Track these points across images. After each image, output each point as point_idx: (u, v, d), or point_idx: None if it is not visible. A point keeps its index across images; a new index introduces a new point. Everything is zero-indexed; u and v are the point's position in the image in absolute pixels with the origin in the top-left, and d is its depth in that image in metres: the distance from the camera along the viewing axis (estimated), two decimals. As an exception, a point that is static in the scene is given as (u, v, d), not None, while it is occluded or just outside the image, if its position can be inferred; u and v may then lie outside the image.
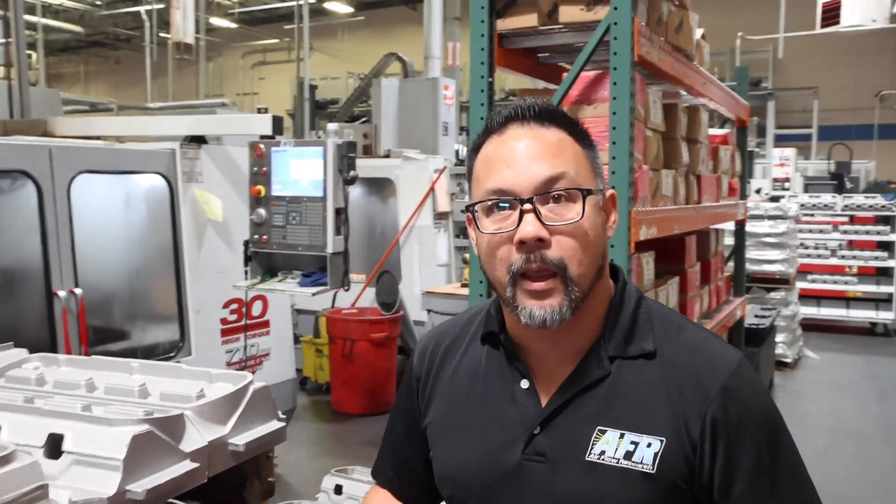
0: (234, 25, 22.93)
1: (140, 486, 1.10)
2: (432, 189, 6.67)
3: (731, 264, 6.02)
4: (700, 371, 1.15)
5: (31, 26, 17.63)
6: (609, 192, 1.21)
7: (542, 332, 1.16)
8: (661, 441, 1.12)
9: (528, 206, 1.12)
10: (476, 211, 1.18)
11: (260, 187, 4.37)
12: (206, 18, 20.24)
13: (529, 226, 1.11)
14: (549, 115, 1.19)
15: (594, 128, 3.33)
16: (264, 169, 4.37)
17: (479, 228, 1.18)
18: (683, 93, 4.52)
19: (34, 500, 1.01)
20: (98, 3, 21.32)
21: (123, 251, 4.58)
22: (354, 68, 19.83)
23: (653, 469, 1.11)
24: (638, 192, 3.28)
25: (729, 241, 6.10)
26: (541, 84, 4.15)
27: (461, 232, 7.01)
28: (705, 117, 4.71)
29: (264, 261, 4.50)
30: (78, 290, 3.99)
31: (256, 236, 4.42)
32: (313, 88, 14.33)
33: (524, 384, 1.21)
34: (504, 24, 3.47)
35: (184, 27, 17.96)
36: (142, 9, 19.44)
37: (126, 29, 23.13)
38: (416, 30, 16.02)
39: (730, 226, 6.05)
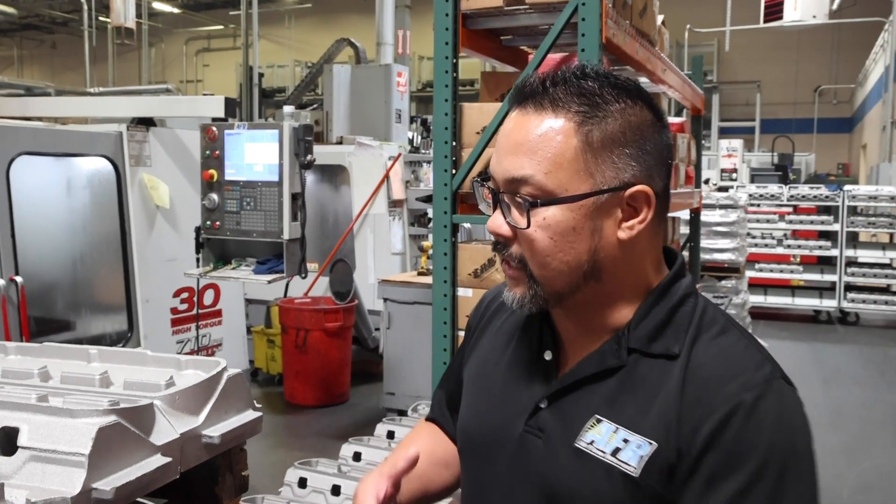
0: (177, 10, 22.37)
1: (107, 484, 0.99)
2: (387, 176, 6.56)
3: (685, 252, 6.05)
4: (721, 381, 1.04)
5: (-38, 7, 16.92)
6: (634, 190, 1.06)
7: (556, 311, 1.15)
8: (652, 445, 1.04)
9: (500, 197, 1.09)
10: None
11: (212, 171, 4.22)
12: (148, 3, 19.69)
13: (495, 220, 1.10)
14: (557, 98, 1.06)
15: (560, 111, 3.28)
16: (217, 153, 4.21)
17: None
18: (644, 79, 4.51)
19: (-12, 502, 0.89)
20: (33, -16, 20.58)
21: (67, 237, 4.38)
22: (301, 56, 19.55)
23: (636, 472, 1.04)
24: (604, 176, 3.24)
25: (683, 229, 6.13)
26: (506, 68, 4.08)
27: (416, 220, 6.91)
28: (665, 105, 4.70)
29: (217, 248, 4.34)
30: (18, 278, 3.79)
31: (209, 222, 4.27)
32: (260, 76, 14.05)
33: (547, 355, 1.17)
34: (468, 4, 3.38)
35: (125, 11, 17.43)
36: (79, -9, 18.80)
37: (63, 12, 22.37)
38: (363, 18, 15.81)
39: (685, 214, 6.08)
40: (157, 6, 21.50)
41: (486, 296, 1.38)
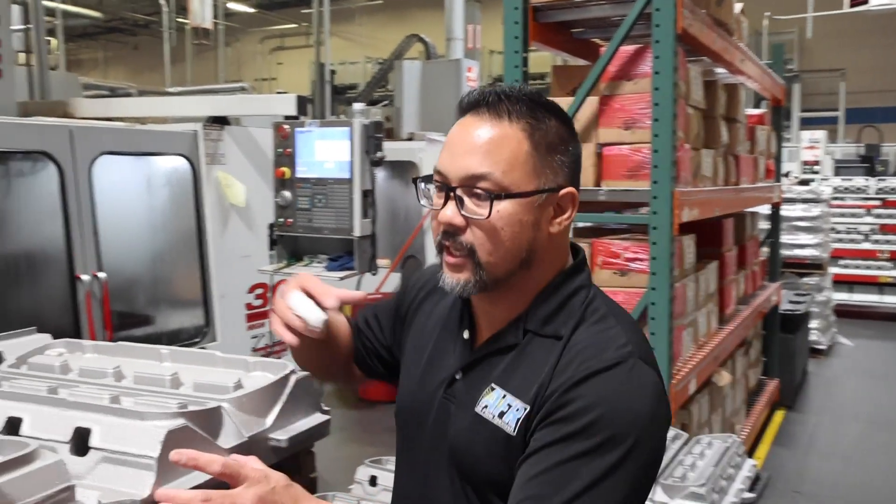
0: (251, 10, 22.79)
1: (175, 488, 0.99)
2: (457, 172, 6.52)
3: (764, 249, 5.85)
4: (584, 354, 1.20)
5: (51, 12, 17.59)
6: (565, 191, 1.26)
7: (477, 296, 1.30)
8: (526, 408, 1.21)
9: (452, 192, 1.23)
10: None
11: (284, 169, 4.26)
12: (223, 3, 20.12)
13: (448, 210, 1.23)
14: (512, 109, 1.23)
15: (634, 104, 3.19)
16: (289, 150, 4.25)
17: (429, 193, 1.30)
18: (721, 70, 4.36)
19: (60, 503, 0.90)
20: (116, -12, 21.26)
21: (147, 234, 4.49)
22: (372, 53, 19.66)
23: (512, 431, 1.21)
24: (680, 172, 3.14)
25: (763, 225, 5.93)
26: (577, 61, 4.01)
27: (486, 216, 6.86)
28: (744, 96, 4.55)
29: (290, 244, 4.39)
30: (101, 274, 3.91)
31: (281, 219, 4.32)
32: (332, 73, 14.20)
33: (465, 335, 1.35)
34: (539, -3, 3.33)
35: (202, 12, 17.84)
36: (160, -7, 19.33)
37: (144, 14, 23.07)
38: (433, 13, 15.81)
39: (765, 209, 5.89)
40: (233, 6, 21.96)
41: (415, 281, 1.54)
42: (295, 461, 1.31)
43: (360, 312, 1.60)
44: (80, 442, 1.05)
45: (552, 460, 1.12)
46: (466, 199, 1.22)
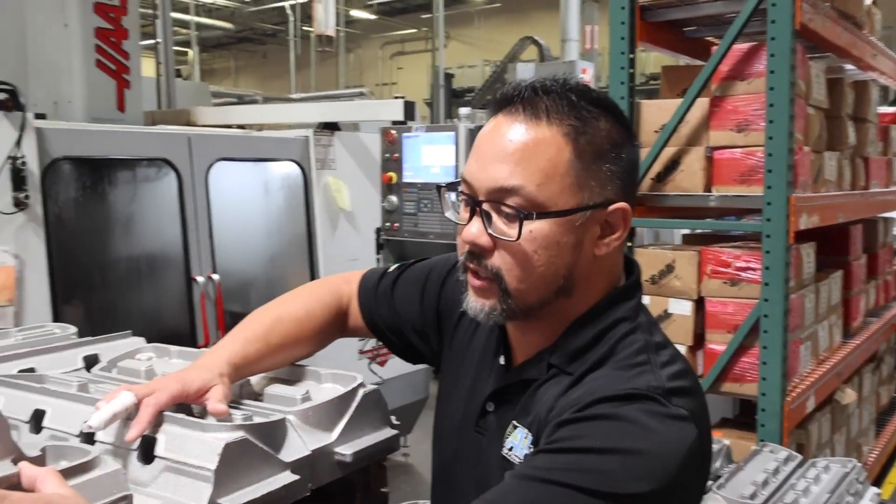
0: (373, 17, 23.31)
1: (232, 501, 1.00)
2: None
3: (900, 257, 5.44)
4: (599, 390, 0.99)
5: (186, 24, 18.59)
6: (615, 207, 1.06)
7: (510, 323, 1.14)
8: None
9: (478, 208, 1.06)
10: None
11: (391, 174, 4.32)
12: (346, 11, 20.67)
13: (473, 228, 1.06)
14: (552, 107, 1.03)
15: (748, 105, 3.03)
16: (396, 155, 4.31)
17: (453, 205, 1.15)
18: (849, 66, 4.09)
19: (116, 512, 0.91)
20: (247, 0, 22.23)
21: (259, 237, 4.65)
22: (490, 56, 19.69)
23: None
24: (798, 176, 2.96)
25: (898, 231, 5.51)
26: (689, 61, 3.85)
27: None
28: (875, 93, 4.24)
29: (396, 249, 4.44)
30: (215, 276, 4.06)
31: (388, 224, 4.38)
32: (450, 77, 14.33)
33: (501, 360, 1.20)
34: (647, -5, 3.21)
35: (325, 20, 18.40)
36: (286, 4, 20.09)
37: (272, 24, 24.01)
38: (551, 15, 15.67)
39: (900, 214, 5.48)
40: (355, 14, 22.54)
41: (452, 278, 1.33)
42: (364, 475, 1.29)
43: (379, 285, 1.44)
44: (147, 450, 1.07)
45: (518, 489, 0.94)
46: (494, 216, 1.05)
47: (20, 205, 3.33)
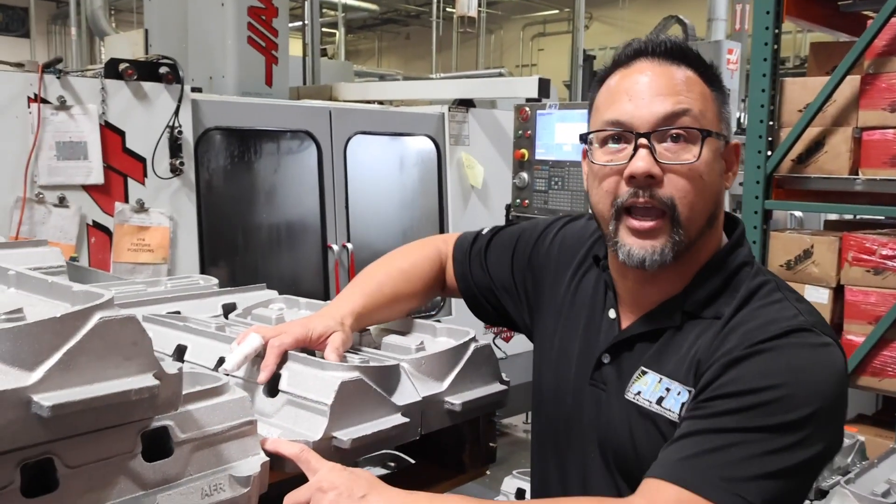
0: (515, -2, 23.21)
1: (346, 435, 1.07)
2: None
3: None
4: (749, 332, 1.08)
5: (333, 6, 19.18)
6: (733, 143, 1.20)
7: (637, 273, 1.18)
8: (690, 391, 1.10)
9: (643, 140, 1.11)
10: (591, 142, 1.19)
11: (523, 151, 4.32)
12: (489, -8, 20.67)
13: (641, 161, 1.11)
14: (681, 53, 1.17)
15: (905, 84, 2.84)
16: (528, 132, 4.30)
17: (591, 159, 1.19)
18: None
19: (241, 436, 1.00)
20: (392, -18, 22.67)
21: (392, 210, 4.78)
22: (634, 37, 19.19)
23: (677, 417, 1.10)
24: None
25: None
26: (842, 37, 3.64)
27: (737, 206, 6.47)
28: None
29: (525, 225, 4.45)
30: (349, 245, 4.23)
31: (518, 200, 4.39)
32: (591, 58, 14.09)
33: (612, 314, 1.25)
34: (797, -33, 3.06)
35: (468, 1, 18.50)
36: (430, -15, 20.30)
37: (416, 5, 24.37)
38: (701, -5, 15.07)
39: None
40: (498, -6, 22.50)
41: (543, 242, 1.45)
42: (475, 428, 1.34)
43: (473, 250, 1.53)
44: (273, 385, 1.16)
45: (714, 444, 0.99)
46: (659, 147, 1.12)
47: (176, 171, 3.59)
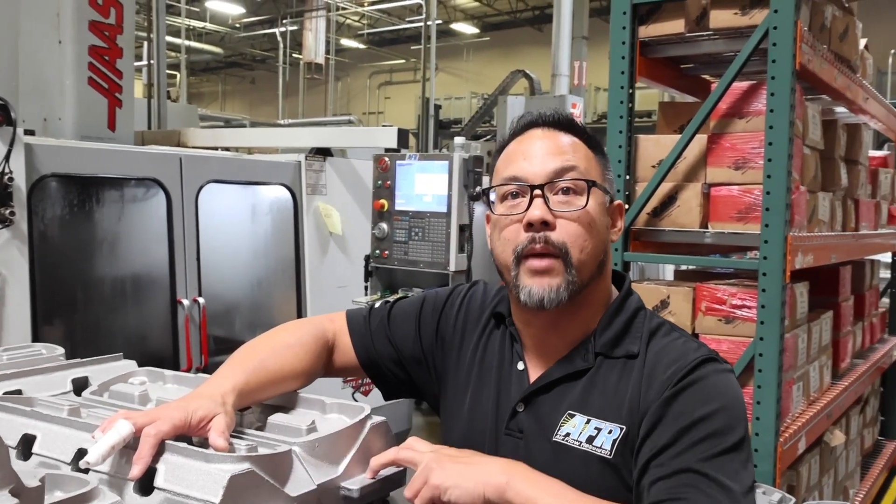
0: (362, 46, 23.46)
1: (236, 537, 0.94)
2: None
3: (885, 300, 5.47)
4: (666, 367, 1.22)
5: (176, 48, 18.58)
6: (617, 202, 1.36)
7: (540, 318, 1.30)
8: (622, 429, 1.20)
9: (537, 191, 1.25)
10: (493, 200, 1.33)
11: (383, 201, 4.28)
12: (336, 40, 20.78)
13: (537, 209, 1.24)
14: (568, 123, 1.35)
15: (746, 143, 3.03)
16: (388, 182, 4.27)
17: (493, 211, 1.33)
18: (842, 109, 4.12)
19: (114, 549, 0.86)
20: (237, 25, 22.30)
21: (247, 261, 4.58)
22: (478, 88, 19.86)
23: (610, 455, 1.19)
24: (794, 215, 2.95)
25: (884, 273, 5.55)
26: (686, 98, 3.87)
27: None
28: (868, 137, 4.28)
29: (385, 277, 4.39)
30: (201, 299, 3.99)
31: (378, 251, 4.32)
32: (437, 108, 14.37)
33: (520, 366, 1.35)
34: (647, 31, 3.22)
35: (315, 48, 18.47)
36: (277, 30, 20.17)
37: (262, 50, 24.08)
38: (540, 50, 15.83)
39: (886, 257, 5.52)
40: (345, 42, 22.66)
41: (450, 309, 1.50)
42: (371, 511, 1.24)
43: (368, 322, 1.52)
44: (147, 481, 1.02)
45: (683, 465, 1.10)
46: (552, 198, 1.26)
47: (5, 221, 3.26)
